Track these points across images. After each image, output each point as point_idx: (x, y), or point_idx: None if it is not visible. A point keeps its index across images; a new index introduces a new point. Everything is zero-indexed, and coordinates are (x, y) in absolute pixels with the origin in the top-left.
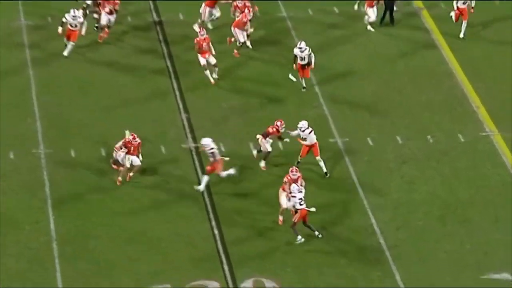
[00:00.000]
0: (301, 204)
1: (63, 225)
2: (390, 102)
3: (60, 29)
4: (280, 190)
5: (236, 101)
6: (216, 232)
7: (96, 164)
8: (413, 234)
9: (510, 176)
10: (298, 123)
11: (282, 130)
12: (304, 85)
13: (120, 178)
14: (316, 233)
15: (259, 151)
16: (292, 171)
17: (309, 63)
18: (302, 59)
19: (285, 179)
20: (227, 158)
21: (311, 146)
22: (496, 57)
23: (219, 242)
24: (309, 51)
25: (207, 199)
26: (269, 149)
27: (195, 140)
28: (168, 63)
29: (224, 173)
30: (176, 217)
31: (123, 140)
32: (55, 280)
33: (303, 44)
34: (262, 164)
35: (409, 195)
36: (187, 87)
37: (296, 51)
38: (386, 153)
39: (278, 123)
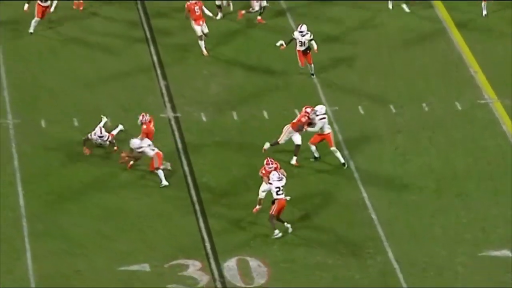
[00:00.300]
0: (278, 194)
1: (33, 201)
2: (381, 68)
3: (26, 6)
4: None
5: (218, 68)
6: (197, 208)
7: (68, 135)
8: (407, 208)
9: (510, 146)
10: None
11: (313, 117)
12: (312, 71)
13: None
14: (286, 224)
15: (273, 144)
16: (267, 164)
17: (308, 49)
18: (302, 44)
19: (260, 174)
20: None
21: (324, 136)
22: (495, 17)
23: (200, 220)
24: (310, 35)
25: (187, 174)
26: (299, 141)
27: (174, 109)
28: (147, 30)
29: (161, 168)
30: (154, 193)
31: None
32: (25, 259)
33: (304, 28)
34: (293, 161)
35: (402, 167)
36: (166, 53)
37: (297, 34)
38: (378, 122)
39: (308, 110)
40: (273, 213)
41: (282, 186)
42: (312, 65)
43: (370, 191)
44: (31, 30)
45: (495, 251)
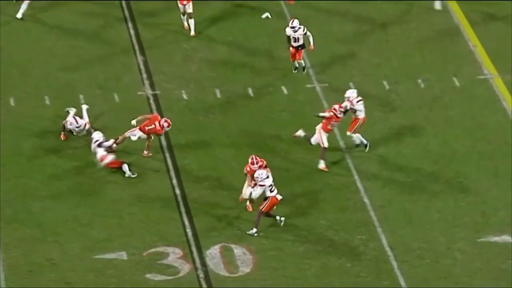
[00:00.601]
0: (271, 191)
1: (3, 185)
2: (374, 41)
3: None
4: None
5: (199, 43)
6: (178, 192)
7: (39, 114)
8: (402, 192)
9: (511, 124)
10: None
11: (340, 116)
12: (297, 65)
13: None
14: (278, 218)
15: (306, 138)
16: (252, 163)
17: (303, 45)
18: (296, 40)
19: (245, 171)
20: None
21: (358, 120)
22: None
23: (181, 204)
24: (303, 30)
25: (167, 156)
26: (326, 144)
27: (153, 87)
28: (125, 9)
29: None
30: (132, 177)
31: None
32: None
33: (295, 23)
34: (322, 165)
35: (396, 148)
36: (145, 30)
37: (288, 30)
38: (371, 99)
39: (336, 106)
40: (263, 209)
41: (273, 183)
42: (302, 61)
43: (362, 173)
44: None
45: (495, 237)
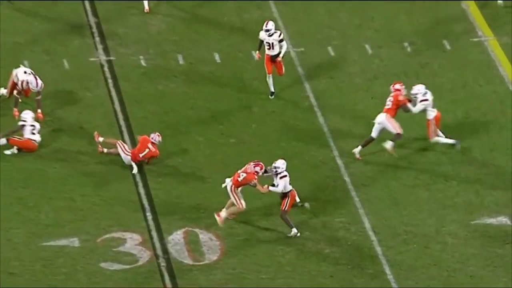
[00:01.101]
0: (290, 184)
1: None
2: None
3: None
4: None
5: (159, 2)
6: (135, 171)
7: None
8: (386, 169)
9: (509, 93)
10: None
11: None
12: (273, 89)
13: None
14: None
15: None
16: (257, 171)
17: (279, 54)
18: (270, 46)
19: (252, 183)
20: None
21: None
22: None
23: (140, 185)
24: (279, 35)
25: (124, 130)
26: (400, 129)
27: (107, 52)
28: None
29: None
30: (84, 154)
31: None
32: None
33: (270, 25)
34: (389, 145)
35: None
36: None
37: (262, 34)
38: (352, 65)
39: (398, 86)
40: (286, 209)
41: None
42: (283, 74)
43: (342, 149)
44: None
45: (491, 218)
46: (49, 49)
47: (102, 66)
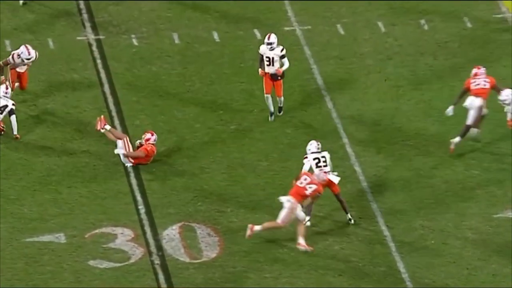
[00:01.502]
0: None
1: None
2: None
3: None
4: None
5: None
6: (128, 164)
7: None
8: (400, 158)
9: None
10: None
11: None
12: (272, 109)
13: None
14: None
15: (463, 134)
16: (324, 180)
17: (281, 74)
18: (270, 62)
19: (308, 192)
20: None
21: None
22: None
23: (132, 175)
24: (281, 51)
25: (115, 115)
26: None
27: (96, 30)
28: None
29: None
30: (72, 143)
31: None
32: None
33: (273, 38)
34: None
35: (394, 103)
36: None
37: (263, 48)
38: (363, 45)
39: (475, 70)
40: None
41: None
42: (282, 98)
43: (352, 135)
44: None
45: None
46: (32, 27)
47: (90, 45)
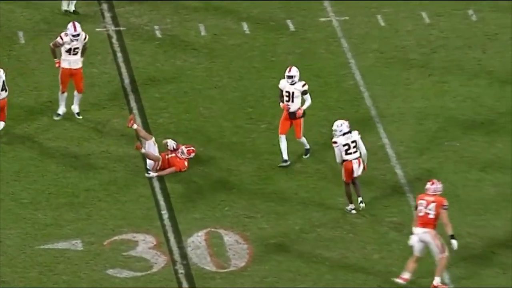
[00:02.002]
0: (347, 153)
1: None
2: None
3: None
4: None
5: None
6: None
7: None
8: (446, 160)
9: None
10: None
11: None
12: (286, 156)
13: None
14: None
15: None
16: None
17: (302, 113)
18: (290, 97)
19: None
20: None
21: None
22: None
23: (155, 178)
24: (303, 86)
25: (136, 113)
26: None
27: (116, 21)
28: None
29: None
30: (90, 141)
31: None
32: None
33: (294, 71)
34: None
35: (439, 101)
36: None
37: (283, 83)
38: (405, 37)
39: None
40: (344, 179)
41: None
42: (303, 139)
43: (393, 136)
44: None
45: None
46: (47, 17)
47: (110, 37)
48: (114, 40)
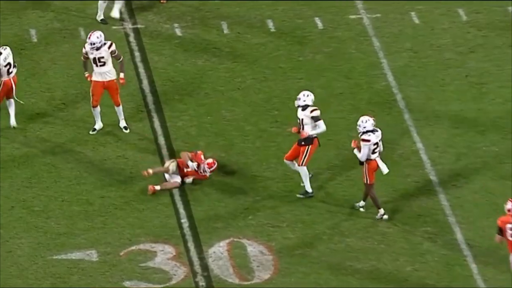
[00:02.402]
0: (373, 152)
1: None
2: None
3: None
4: None
5: None
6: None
7: None
8: (484, 166)
9: None
10: None
11: None
12: (309, 191)
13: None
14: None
15: None
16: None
17: (310, 139)
18: (300, 125)
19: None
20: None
21: None
22: None
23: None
24: (312, 111)
25: (154, 116)
26: None
27: (134, 18)
28: None
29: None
30: (106, 145)
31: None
32: None
33: (301, 94)
34: None
35: (476, 103)
36: None
37: (300, 112)
38: (441, 35)
39: None
40: (368, 182)
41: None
42: (303, 170)
43: (427, 140)
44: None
45: None
46: (61, 14)
47: (127, 35)
48: (131, 39)
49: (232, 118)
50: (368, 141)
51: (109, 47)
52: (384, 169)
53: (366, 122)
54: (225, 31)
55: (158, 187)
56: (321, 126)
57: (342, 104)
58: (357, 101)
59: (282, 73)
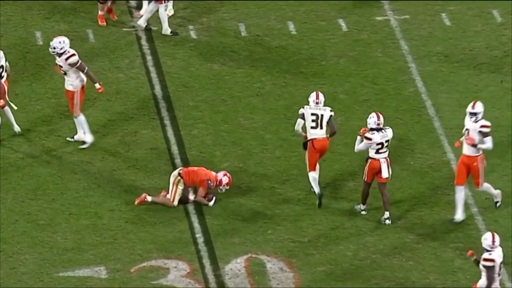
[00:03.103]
0: (377, 151)
1: None
2: None
3: None
4: None
5: None
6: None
7: None
8: None
9: None
10: None
11: None
12: (320, 190)
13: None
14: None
15: None
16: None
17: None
18: (318, 124)
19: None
20: None
21: None
22: None
23: (190, 203)
24: (329, 112)
25: (167, 123)
26: None
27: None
28: None
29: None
30: (115, 156)
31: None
32: None
33: (321, 97)
34: None
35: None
36: None
37: (307, 112)
38: (473, 39)
39: None
40: (365, 179)
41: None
42: (310, 175)
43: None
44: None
45: None
46: (68, 15)
47: (138, 38)
48: (143, 42)
49: (250, 126)
50: (370, 139)
51: (66, 59)
52: (384, 173)
53: (370, 119)
54: (243, 34)
55: (149, 198)
56: (334, 128)
57: (368, 111)
58: (383, 108)
59: (303, 78)
